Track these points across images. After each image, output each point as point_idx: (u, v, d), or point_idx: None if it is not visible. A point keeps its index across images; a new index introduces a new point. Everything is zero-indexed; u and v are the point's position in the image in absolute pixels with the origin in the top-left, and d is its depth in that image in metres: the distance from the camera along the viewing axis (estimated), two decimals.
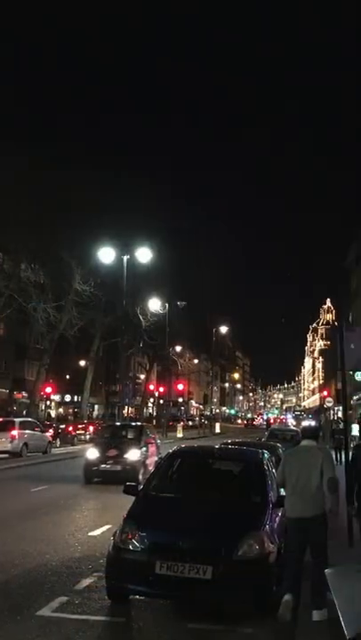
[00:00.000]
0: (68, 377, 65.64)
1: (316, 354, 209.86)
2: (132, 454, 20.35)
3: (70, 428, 45.50)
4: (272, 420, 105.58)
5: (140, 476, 18.65)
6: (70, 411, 68.88)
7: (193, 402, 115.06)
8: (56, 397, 68.10)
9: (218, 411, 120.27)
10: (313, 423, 44.82)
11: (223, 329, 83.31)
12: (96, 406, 77.58)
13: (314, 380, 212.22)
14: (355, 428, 37.03)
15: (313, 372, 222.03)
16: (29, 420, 36.41)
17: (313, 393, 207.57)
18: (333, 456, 15.04)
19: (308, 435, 8.22)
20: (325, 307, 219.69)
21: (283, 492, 8.28)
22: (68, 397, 69.51)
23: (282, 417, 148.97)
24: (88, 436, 44.68)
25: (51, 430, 39.28)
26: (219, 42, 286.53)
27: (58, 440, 40.38)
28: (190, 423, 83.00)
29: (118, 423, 31.96)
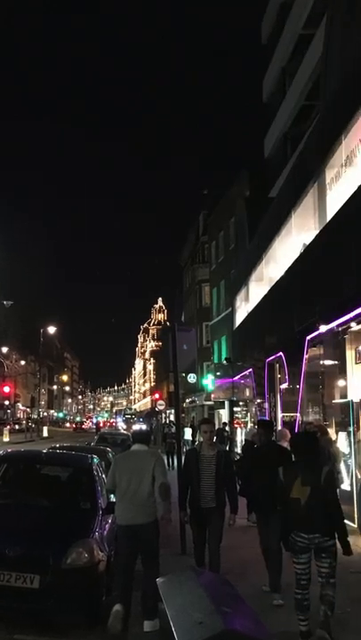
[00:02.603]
0: None
1: (147, 355, 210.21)
2: None
3: None
4: (102, 424, 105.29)
5: None
6: None
7: (20, 405, 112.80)
8: None
9: (46, 414, 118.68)
10: (144, 427, 44.85)
11: (51, 329, 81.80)
12: None
13: (145, 382, 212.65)
14: (187, 432, 37.37)
15: (144, 375, 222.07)
16: None
17: (144, 396, 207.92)
18: (165, 461, 14.99)
19: (139, 439, 8.08)
20: (157, 306, 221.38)
21: (113, 497, 8.07)
22: None
23: (112, 420, 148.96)
24: None
25: None
26: None
27: None
28: (17, 427, 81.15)
29: None
